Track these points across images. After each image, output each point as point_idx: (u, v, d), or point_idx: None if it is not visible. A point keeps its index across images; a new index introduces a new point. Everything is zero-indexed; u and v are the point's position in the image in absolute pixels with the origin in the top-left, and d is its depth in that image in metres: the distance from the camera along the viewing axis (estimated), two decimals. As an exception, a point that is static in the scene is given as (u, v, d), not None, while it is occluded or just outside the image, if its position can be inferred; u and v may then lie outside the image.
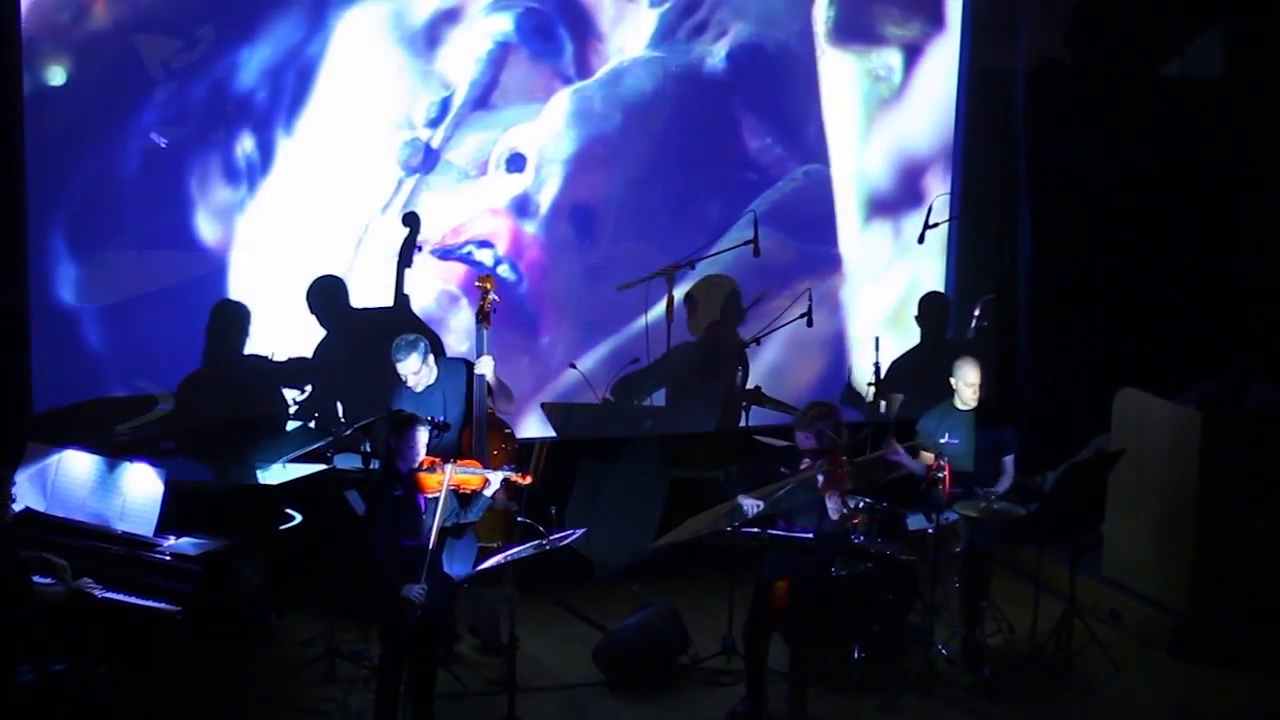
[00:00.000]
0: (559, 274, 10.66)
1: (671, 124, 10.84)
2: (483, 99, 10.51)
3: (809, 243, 11.12)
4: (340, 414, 9.93)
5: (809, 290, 10.44)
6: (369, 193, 10.30)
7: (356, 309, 10.16)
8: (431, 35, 10.31)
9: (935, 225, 10.83)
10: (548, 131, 10.61)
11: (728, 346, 10.78)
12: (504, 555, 8.11)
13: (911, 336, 11.13)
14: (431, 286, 10.44)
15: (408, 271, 10.10)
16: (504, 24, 10.50)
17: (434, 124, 10.41)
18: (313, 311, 10.08)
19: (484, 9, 10.37)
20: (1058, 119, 10.96)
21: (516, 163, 10.57)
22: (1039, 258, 11.02)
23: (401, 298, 10.06)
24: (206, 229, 9.98)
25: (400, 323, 9.82)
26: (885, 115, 11.21)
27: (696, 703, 8.87)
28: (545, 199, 10.65)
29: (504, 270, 10.56)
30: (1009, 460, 9.32)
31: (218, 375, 9.90)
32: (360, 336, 10.02)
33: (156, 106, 9.74)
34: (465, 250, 10.51)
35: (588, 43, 10.67)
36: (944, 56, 11.28)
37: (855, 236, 11.22)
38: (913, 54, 11.23)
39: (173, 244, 9.89)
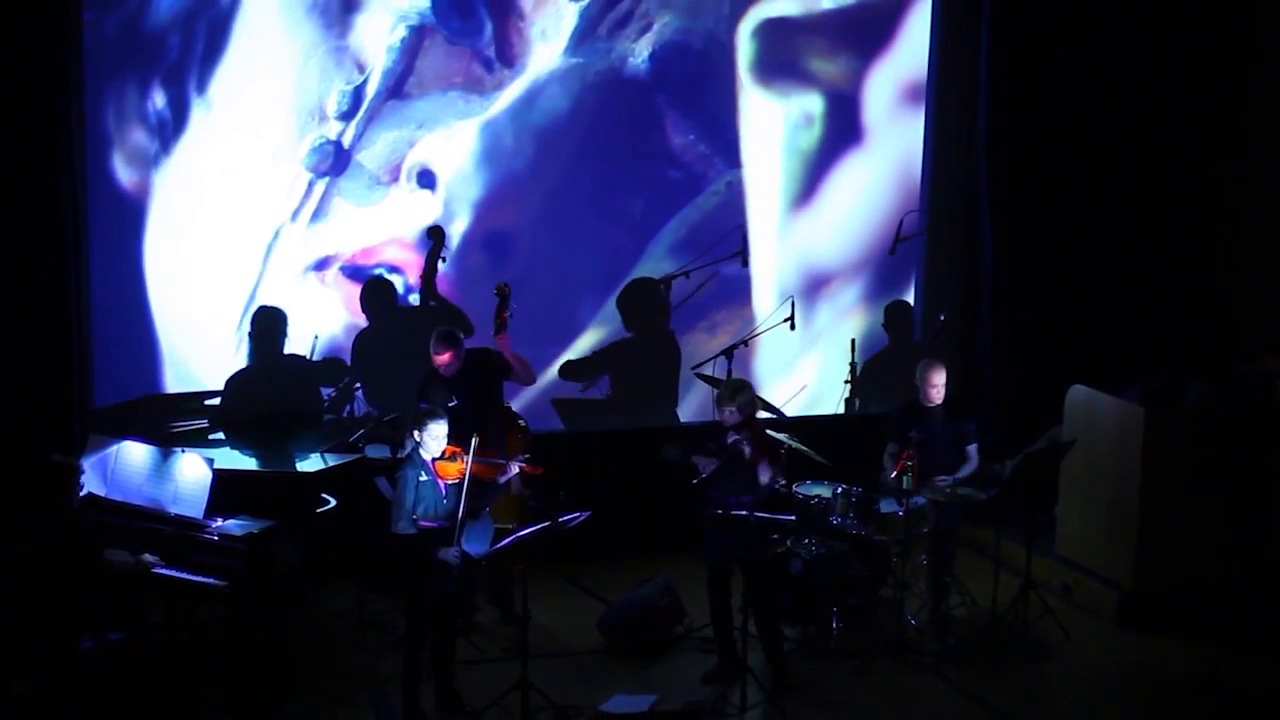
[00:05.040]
0: (472, 303, 9.89)
1: (591, 132, 10.17)
2: (396, 88, 9.78)
3: (726, 265, 10.57)
4: (371, 407, 9.93)
5: (792, 298, 10.43)
6: (278, 197, 9.70)
7: (394, 311, 10.09)
8: (346, 3, 9.65)
9: (906, 239, 10.83)
10: (458, 164, 9.85)
11: (661, 339, 10.63)
12: (518, 535, 8.12)
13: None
14: (338, 316, 9.88)
15: (436, 277, 10.00)
16: (420, 1, 9.72)
17: (346, 117, 9.72)
18: (364, 308, 9.99)
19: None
20: (1018, 143, 10.95)
21: (427, 179, 9.95)
22: (999, 269, 11.01)
23: (429, 301, 10.01)
24: (123, 171, 9.48)
25: (432, 322, 9.82)
26: (805, 171, 10.70)
27: (689, 667, 8.89)
28: (455, 232, 10.00)
29: (415, 300, 9.99)
30: (973, 449, 9.31)
31: (262, 373, 9.86)
32: (395, 334, 9.98)
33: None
34: (377, 273, 10.00)
35: (509, 21, 9.85)
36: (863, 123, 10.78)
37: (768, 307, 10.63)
38: (835, 102, 10.68)
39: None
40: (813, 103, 10.76)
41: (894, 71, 10.94)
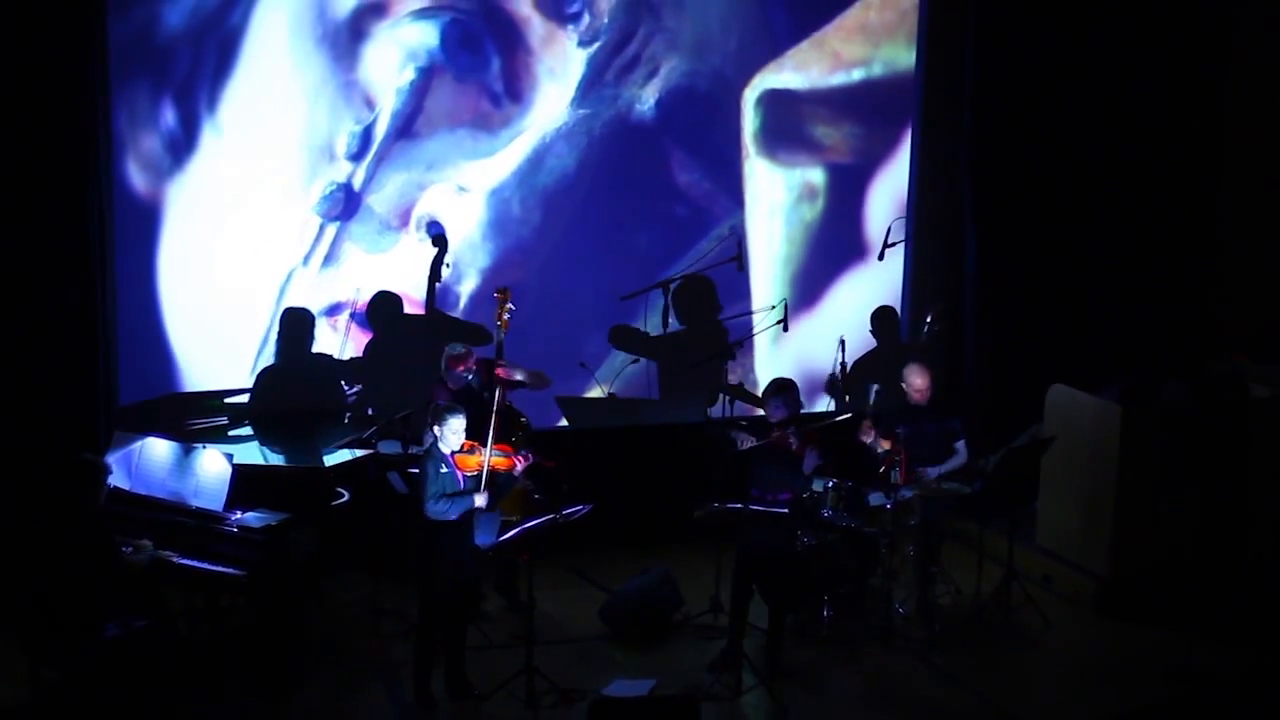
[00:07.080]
0: (481, 347, 9.56)
1: (598, 181, 10.06)
2: (405, 128, 9.61)
3: (728, 318, 10.53)
4: (383, 406, 9.97)
5: (785, 300, 10.49)
6: (290, 239, 9.60)
7: (403, 317, 10.08)
8: (355, 30, 9.41)
9: (894, 245, 10.88)
10: (466, 230, 9.74)
11: (715, 340, 10.62)
12: (523, 527, 8.20)
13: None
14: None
15: (438, 285, 9.98)
16: (429, 36, 9.50)
17: (356, 158, 9.59)
18: (370, 320, 9.98)
19: (408, 16, 9.36)
20: (1001, 154, 11.02)
21: (436, 228, 9.83)
22: (983, 273, 11.08)
23: (433, 309, 10.01)
24: (137, 178, 9.32)
25: (435, 329, 9.90)
26: (808, 239, 10.64)
27: (687, 654, 8.96)
28: (464, 292, 9.96)
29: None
30: (960, 444, 9.36)
31: (291, 370, 9.87)
32: (403, 339, 9.99)
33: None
34: (382, 290, 9.87)
35: (516, 57, 9.64)
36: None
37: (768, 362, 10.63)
38: (838, 174, 10.64)
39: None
40: (815, 175, 10.72)
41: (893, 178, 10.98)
